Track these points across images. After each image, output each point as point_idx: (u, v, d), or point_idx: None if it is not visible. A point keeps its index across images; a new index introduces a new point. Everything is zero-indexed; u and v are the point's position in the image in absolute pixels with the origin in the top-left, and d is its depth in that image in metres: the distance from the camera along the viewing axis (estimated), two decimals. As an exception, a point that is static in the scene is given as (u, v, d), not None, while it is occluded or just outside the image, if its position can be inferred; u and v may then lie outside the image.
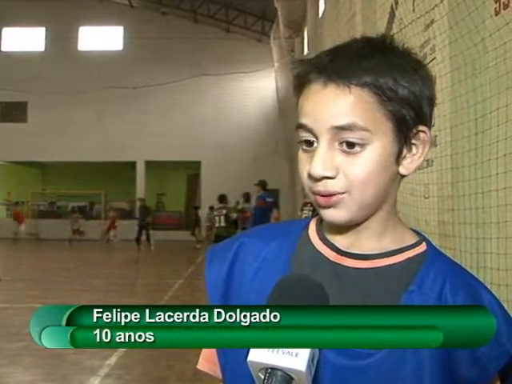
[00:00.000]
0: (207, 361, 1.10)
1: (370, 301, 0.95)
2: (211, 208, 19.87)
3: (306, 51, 22.88)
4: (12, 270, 15.16)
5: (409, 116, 0.92)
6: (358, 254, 0.99)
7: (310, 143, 0.94)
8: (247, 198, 15.94)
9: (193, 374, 5.49)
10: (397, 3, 9.96)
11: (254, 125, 27.86)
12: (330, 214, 0.95)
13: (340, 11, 14.44)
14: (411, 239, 1.02)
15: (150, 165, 29.19)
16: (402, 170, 0.96)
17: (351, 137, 0.90)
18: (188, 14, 29.33)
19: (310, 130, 0.93)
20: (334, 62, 0.92)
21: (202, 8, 28.84)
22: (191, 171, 30.23)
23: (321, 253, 1.02)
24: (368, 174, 0.91)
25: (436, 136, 8.06)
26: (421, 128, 0.95)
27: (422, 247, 1.02)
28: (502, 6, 6.27)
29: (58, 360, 6.25)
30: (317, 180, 0.93)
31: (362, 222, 0.98)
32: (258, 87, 28.55)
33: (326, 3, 19.00)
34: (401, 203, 8.59)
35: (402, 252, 0.99)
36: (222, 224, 14.02)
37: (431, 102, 0.96)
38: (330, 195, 0.93)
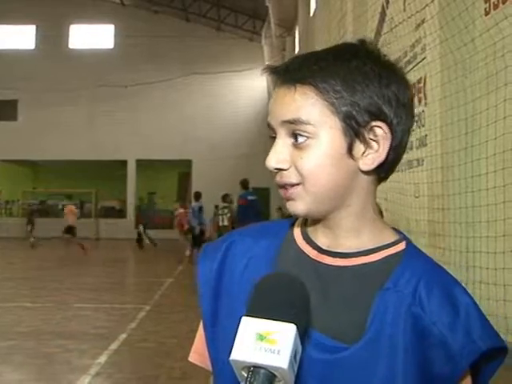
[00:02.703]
0: (198, 354, 1.13)
1: (348, 298, 0.99)
2: (216, 207, 19.89)
3: (297, 50, 22.91)
4: (2, 268, 15.11)
5: (358, 112, 0.96)
6: (337, 252, 1.02)
7: (274, 139, 1.02)
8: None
9: (182, 373, 5.47)
10: (388, 3, 9.98)
11: (245, 123, 27.88)
12: (290, 206, 1.01)
13: (331, 10, 14.46)
14: (391, 238, 1.04)
15: (141, 163, 29.15)
16: (362, 166, 0.98)
17: (298, 130, 0.97)
18: (179, 12, 29.30)
19: (271, 128, 1.02)
20: (288, 66, 1.01)
21: (193, 7, 28.83)
22: (182, 170, 30.21)
23: (303, 251, 1.05)
24: (316, 167, 0.97)
25: (426, 135, 8.10)
26: (375, 123, 0.97)
27: (401, 246, 1.03)
28: (492, 7, 6.30)
29: (48, 359, 6.23)
30: (274, 172, 1.00)
31: (333, 218, 1.02)
32: (249, 86, 28.56)
33: (317, 2, 19.02)
34: (391, 202, 8.61)
35: (380, 250, 1.02)
36: (225, 223, 14.42)
37: (396, 102, 0.99)
38: (288, 186, 0.99)
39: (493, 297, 5.70)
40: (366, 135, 0.97)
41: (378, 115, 0.97)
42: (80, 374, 5.69)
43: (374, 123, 0.97)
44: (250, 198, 13.32)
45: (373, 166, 0.98)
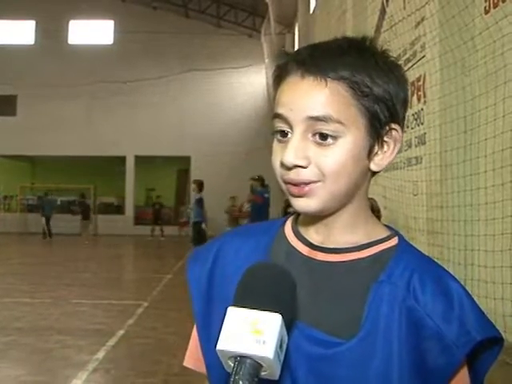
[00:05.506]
0: (191, 357, 1.13)
1: (342, 293, 0.99)
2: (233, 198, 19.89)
3: (296, 47, 22.88)
4: (0, 264, 15.09)
5: (382, 113, 0.95)
6: (329, 248, 1.02)
7: (284, 134, 0.97)
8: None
9: (180, 369, 5.48)
10: (387, 0, 9.97)
11: (244, 120, 27.82)
12: (301, 204, 0.97)
13: (331, 8, 14.46)
14: (383, 233, 1.05)
15: (140, 160, 29.09)
16: (372, 167, 0.98)
17: (325, 128, 0.93)
18: (179, 8, 29.26)
19: (285, 120, 0.96)
20: (313, 55, 0.96)
21: (193, 3, 28.79)
22: (181, 166, 30.17)
23: (294, 248, 1.05)
24: (340, 166, 0.94)
25: (425, 133, 8.09)
26: (393, 126, 0.97)
27: (394, 241, 1.04)
28: (491, 5, 6.30)
29: (46, 355, 6.23)
30: (289, 169, 0.95)
31: (333, 215, 1.01)
32: (249, 83, 28.51)
33: (316, 0, 19.01)
34: (389, 200, 8.62)
35: (372, 246, 1.02)
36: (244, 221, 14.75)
37: (405, 103, 0.99)
38: (304, 184, 0.96)
39: (491, 295, 5.71)
40: (384, 136, 0.97)
41: (394, 116, 0.97)
42: (78, 370, 5.69)
43: (393, 125, 0.97)
44: (266, 195, 13.17)
45: (383, 167, 0.99)
